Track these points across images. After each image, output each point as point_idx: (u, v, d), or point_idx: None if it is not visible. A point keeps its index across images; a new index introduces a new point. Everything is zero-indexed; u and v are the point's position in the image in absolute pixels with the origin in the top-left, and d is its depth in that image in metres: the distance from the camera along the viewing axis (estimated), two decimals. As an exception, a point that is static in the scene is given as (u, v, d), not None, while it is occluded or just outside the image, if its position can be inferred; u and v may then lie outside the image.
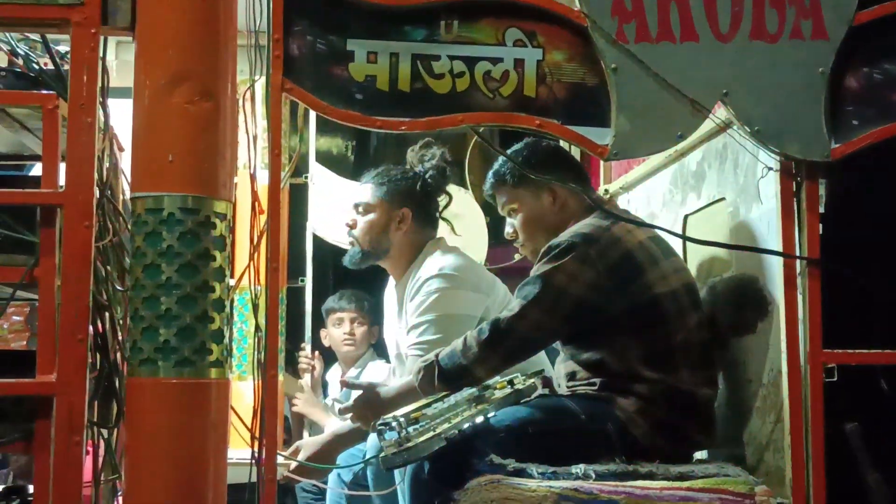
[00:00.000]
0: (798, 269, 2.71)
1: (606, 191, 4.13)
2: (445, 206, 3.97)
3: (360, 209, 3.85)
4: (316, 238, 5.04)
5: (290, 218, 5.08)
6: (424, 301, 3.59)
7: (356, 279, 5.03)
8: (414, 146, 3.83)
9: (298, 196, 5.12)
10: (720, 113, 2.73)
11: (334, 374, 4.92)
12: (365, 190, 3.88)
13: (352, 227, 3.87)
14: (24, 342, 4.59)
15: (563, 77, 2.68)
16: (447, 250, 3.84)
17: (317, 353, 4.90)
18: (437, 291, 3.58)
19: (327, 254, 5.34)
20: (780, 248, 2.74)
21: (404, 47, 2.64)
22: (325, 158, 5.32)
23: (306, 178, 5.08)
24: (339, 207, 5.05)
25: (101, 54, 2.60)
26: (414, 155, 3.85)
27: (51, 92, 2.62)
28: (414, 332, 3.57)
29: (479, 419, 2.82)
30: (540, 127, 2.68)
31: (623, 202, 4.09)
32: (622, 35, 2.65)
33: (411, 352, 3.45)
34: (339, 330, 4.87)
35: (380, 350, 4.83)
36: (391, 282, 3.95)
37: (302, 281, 4.99)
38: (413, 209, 3.79)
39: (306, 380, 4.71)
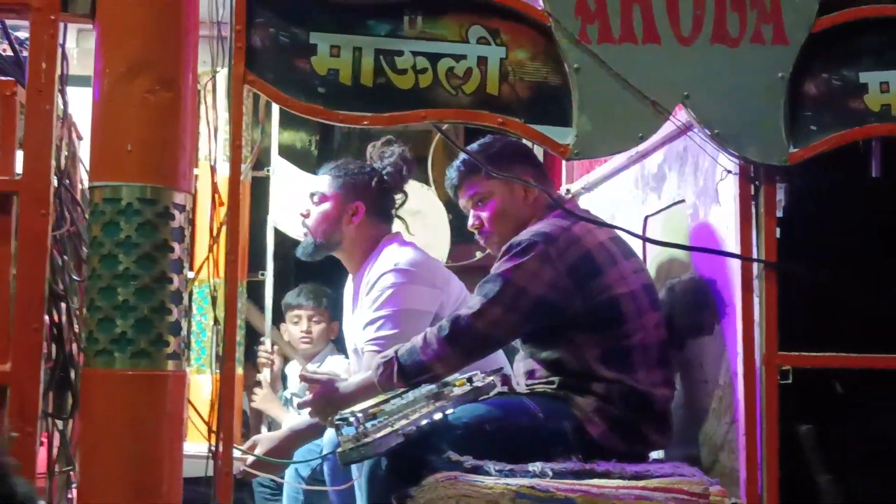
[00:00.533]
0: (755, 272, 2.73)
1: (568, 190, 4.15)
2: (401, 205, 3.95)
3: (315, 199, 3.83)
4: (277, 232, 5.03)
5: (251, 211, 5.07)
6: (380, 296, 3.57)
7: (317, 273, 5.01)
8: (375, 142, 3.82)
9: (260, 189, 5.11)
10: (681, 115, 2.73)
11: (293, 369, 4.90)
12: (321, 181, 3.87)
13: (305, 216, 3.86)
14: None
15: (525, 76, 2.68)
16: (403, 245, 3.83)
17: (276, 347, 4.89)
18: (392, 286, 3.56)
19: (289, 248, 5.28)
20: (738, 250, 2.76)
21: (367, 42, 2.63)
22: (288, 152, 5.30)
23: (268, 171, 5.08)
24: (301, 202, 5.05)
25: (60, 41, 2.58)
26: (374, 150, 3.84)
27: (8, 78, 2.61)
28: (371, 328, 3.54)
29: (438, 416, 2.80)
30: (502, 125, 2.69)
31: (584, 202, 4.09)
32: (585, 35, 2.66)
33: (368, 347, 3.44)
34: (297, 327, 4.84)
35: (340, 344, 4.81)
36: (349, 284, 3.93)
37: (262, 275, 4.98)
38: (367, 203, 3.77)
39: (265, 374, 4.70)
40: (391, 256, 3.69)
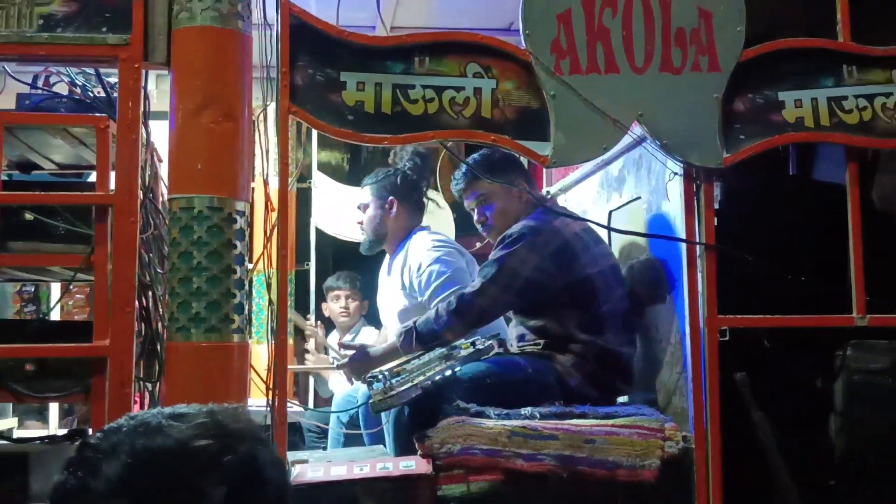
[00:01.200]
0: (698, 253, 2.73)
1: (548, 192, 4.15)
2: (426, 190, 4.00)
3: (362, 208, 3.89)
4: (318, 231, 5.06)
5: (297, 215, 5.08)
6: (435, 279, 3.61)
7: (350, 262, 5.06)
8: (399, 149, 3.87)
9: (304, 198, 5.14)
10: (637, 130, 2.74)
11: (333, 339, 4.94)
12: (363, 193, 3.91)
13: (361, 223, 3.91)
14: (86, 315, 4.57)
15: (512, 101, 2.68)
16: (431, 232, 3.89)
17: (319, 322, 4.93)
18: (443, 271, 3.62)
19: (327, 243, 5.37)
20: (684, 235, 2.77)
21: (386, 78, 2.64)
22: (325, 167, 5.33)
23: (310, 183, 5.11)
24: (336, 206, 5.10)
25: (143, 84, 2.60)
26: (394, 155, 3.89)
27: (103, 115, 2.62)
28: (444, 291, 3.53)
29: (448, 373, 2.84)
30: (495, 141, 2.70)
31: (561, 201, 4.10)
32: (559, 68, 2.67)
33: (441, 305, 3.25)
34: (337, 304, 4.88)
35: (369, 318, 4.85)
36: (386, 260, 3.98)
37: (306, 265, 5.01)
38: (398, 197, 3.82)
39: (311, 344, 4.74)
40: (424, 243, 3.75)
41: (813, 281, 2.87)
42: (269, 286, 2.79)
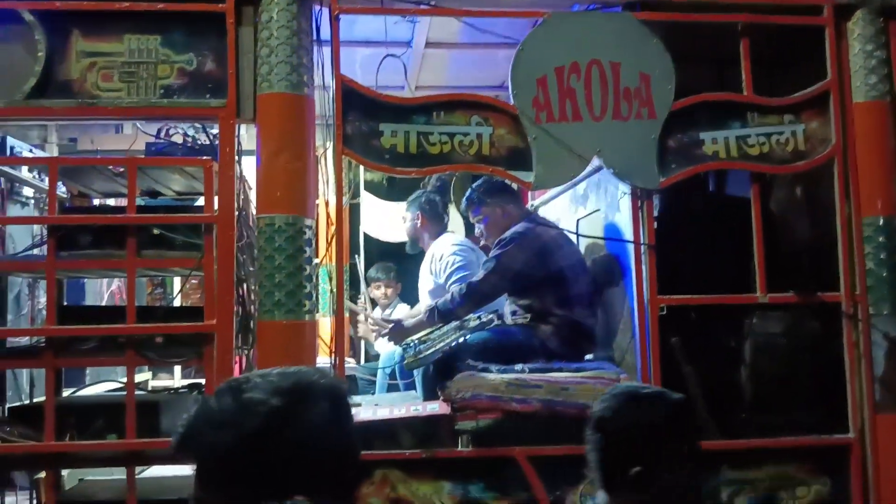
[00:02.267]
0: (643, 250, 2.71)
1: (532, 205, 4.14)
2: (446, 207, 4.02)
3: (404, 220, 3.94)
4: (365, 235, 5.07)
5: (350, 223, 5.09)
6: (453, 262, 3.65)
7: (387, 256, 5.05)
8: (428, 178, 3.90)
9: (355, 210, 5.15)
10: (596, 161, 2.71)
11: (377, 314, 4.92)
12: (406, 208, 3.99)
13: (406, 231, 4.00)
14: (198, 297, 4.59)
15: (504, 143, 2.67)
16: (451, 234, 3.96)
17: (365, 303, 4.92)
18: (459, 257, 3.66)
19: (373, 243, 5.36)
20: (632, 238, 2.75)
21: (412, 128, 2.63)
22: (370, 186, 5.32)
23: (359, 200, 5.11)
24: (378, 216, 5.10)
25: (236, 135, 2.61)
26: (427, 181, 3.92)
27: (208, 157, 2.64)
28: (456, 275, 3.59)
29: (461, 340, 2.84)
30: (492, 172, 2.70)
31: (542, 212, 4.09)
32: (538, 118, 2.66)
33: (455, 286, 3.30)
34: (378, 292, 4.80)
35: (402, 296, 4.83)
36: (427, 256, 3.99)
37: (357, 258, 5.02)
38: (424, 213, 3.85)
39: (362, 316, 4.72)
40: (448, 241, 3.80)
41: (726, 269, 2.87)
42: (330, 278, 2.79)
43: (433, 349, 2.73)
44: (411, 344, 2.78)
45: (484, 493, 2.53)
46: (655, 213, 2.79)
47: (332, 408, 1.19)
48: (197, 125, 2.86)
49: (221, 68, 2.57)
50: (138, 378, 4.62)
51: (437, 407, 2.63)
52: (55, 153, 4.82)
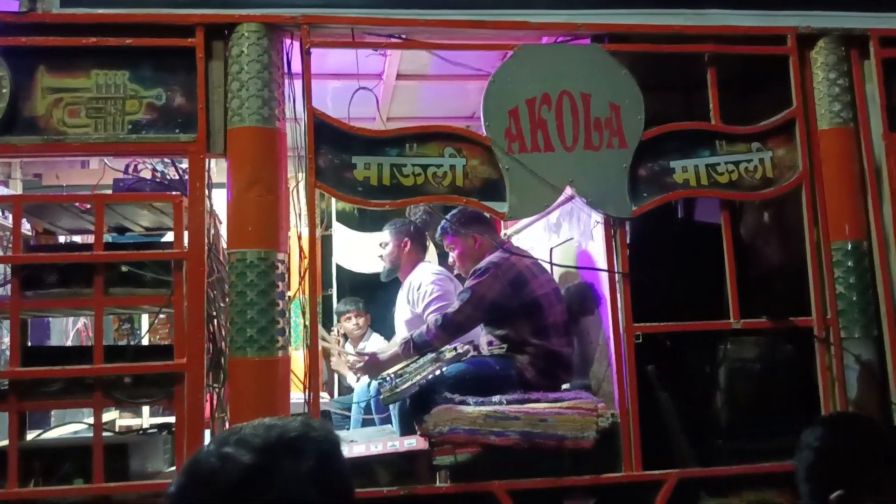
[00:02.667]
0: (617, 278, 2.71)
1: (506, 234, 4.15)
2: (430, 236, 3.99)
3: (382, 245, 3.88)
4: (338, 266, 5.04)
5: (322, 254, 5.05)
6: (431, 291, 3.61)
7: (359, 288, 5.02)
8: (413, 207, 3.85)
9: (327, 242, 5.12)
10: (568, 191, 2.71)
11: (349, 347, 4.89)
12: (384, 234, 3.90)
13: (381, 257, 3.89)
14: (167, 332, 4.52)
15: (478, 174, 2.66)
16: (429, 264, 3.92)
17: (341, 332, 4.88)
18: (436, 286, 3.62)
19: (345, 274, 5.33)
20: (605, 266, 2.75)
21: (385, 160, 2.62)
22: (341, 218, 5.31)
23: (331, 231, 5.09)
24: (350, 247, 5.07)
25: (206, 170, 2.57)
26: (410, 210, 3.89)
27: (177, 192, 2.62)
28: (431, 307, 3.54)
29: (437, 372, 2.81)
30: (466, 203, 2.68)
31: (515, 241, 4.06)
32: (511, 149, 2.65)
33: (431, 317, 3.26)
34: (349, 323, 4.76)
35: (374, 326, 4.78)
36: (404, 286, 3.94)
37: (329, 290, 4.99)
38: (411, 239, 3.82)
39: (335, 349, 4.67)
40: (427, 270, 3.76)
41: (699, 295, 2.88)
42: (303, 311, 2.76)
43: (409, 382, 2.70)
44: (387, 378, 2.74)
45: (464, 529, 2.49)
46: (627, 241, 2.79)
47: (319, 465, 1.06)
48: (166, 160, 2.81)
49: (191, 103, 2.55)
50: (105, 417, 4.53)
51: (414, 442, 2.59)
52: (19, 189, 4.74)
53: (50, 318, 4.02)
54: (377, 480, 2.55)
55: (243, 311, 2.45)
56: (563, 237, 3.41)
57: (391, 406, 3.00)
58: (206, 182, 2.59)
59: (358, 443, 2.68)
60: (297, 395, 2.89)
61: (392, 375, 2.75)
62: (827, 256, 2.78)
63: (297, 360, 4.38)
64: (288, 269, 2.63)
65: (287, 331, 2.55)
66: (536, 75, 2.70)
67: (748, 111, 2.92)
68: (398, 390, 2.67)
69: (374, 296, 4.71)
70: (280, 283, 2.50)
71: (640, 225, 2.92)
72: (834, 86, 2.80)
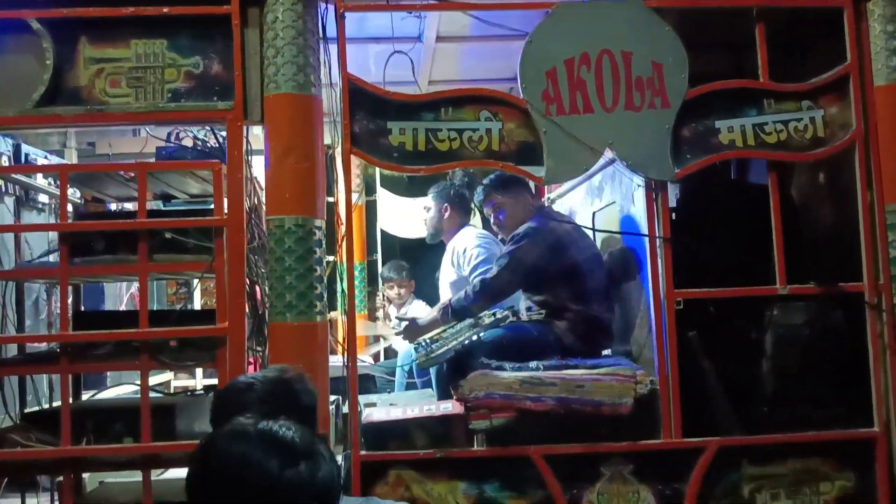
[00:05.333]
0: (658, 243, 2.67)
1: (549, 198, 4.11)
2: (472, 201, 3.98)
3: (426, 209, 3.90)
4: (382, 231, 5.07)
5: (367, 220, 5.11)
6: (477, 254, 3.62)
7: (404, 252, 5.04)
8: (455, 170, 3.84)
9: (372, 207, 5.16)
10: (608, 154, 2.66)
11: (393, 311, 4.94)
12: (427, 199, 3.91)
13: (425, 221, 3.91)
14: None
15: (514, 137, 2.64)
16: (473, 228, 3.91)
17: (386, 296, 4.92)
18: (483, 249, 3.63)
19: (389, 239, 5.36)
20: (646, 231, 2.71)
21: (421, 125, 2.61)
22: (387, 183, 5.32)
23: (376, 196, 5.11)
24: (395, 213, 5.10)
25: (244, 136, 2.60)
26: (451, 174, 3.87)
27: (217, 160, 2.64)
28: (477, 270, 3.55)
29: (475, 338, 2.82)
30: (502, 167, 2.67)
31: (559, 205, 4.06)
32: (548, 111, 2.62)
33: (475, 281, 3.25)
34: (391, 292, 4.77)
35: (418, 293, 4.81)
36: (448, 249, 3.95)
37: (374, 255, 5.03)
38: (451, 205, 3.82)
39: (381, 312, 4.73)
40: (472, 233, 3.76)
41: (750, 259, 2.81)
42: (340, 278, 2.78)
43: (445, 347, 2.72)
44: (423, 343, 2.77)
45: (499, 493, 2.52)
46: (674, 204, 2.75)
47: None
48: (206, 128, 2.85)
49: (228, 71, 2.58)
50: (161, 379, 4.70)
51: (450, 406, 2.62)
52: (74, 158, 4.89)
53: (103, 283, 4.16)
54: (414, 443, 2.59)
55: (282, 276, 2.48)
56: (606, 201, 3.37)
57: (430, 370, 3.02)
58: (247, 148, 2.63)
59: (396, 406, 2.72)
60: (336, 358, 2.94)
61: (428, 340, 2.77)
62: (881, 219, 2.68)
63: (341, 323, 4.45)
64: (337, 235, 2.66)
65: (325, 296, 2.57)
66: (575, 35, 2.65)
67: (798, 70, 2.80)
68: (433, 355, 2.69)
69: (420, 260, 4.73)
70: (317, 250, 2.52)
71: (687, 186, 2.86)
72: (892, 39, 2.66)
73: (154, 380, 4.51)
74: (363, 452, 2.53)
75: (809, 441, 2.60)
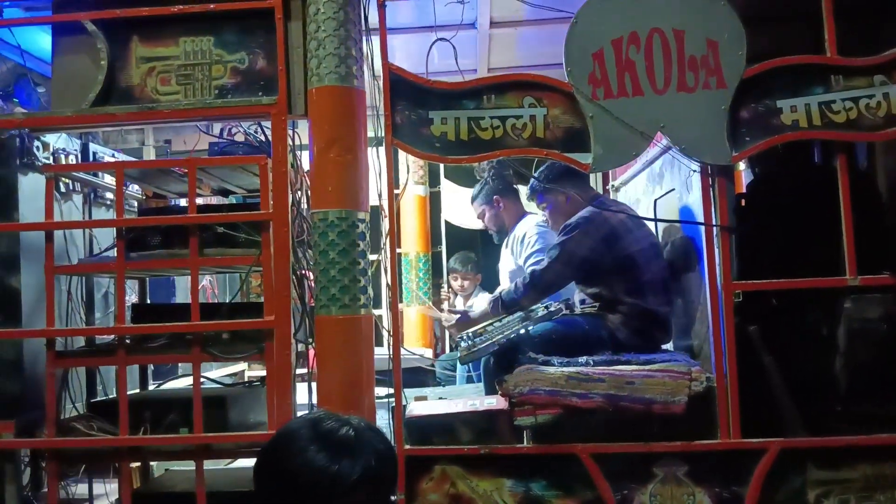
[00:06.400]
0: (715, 233, 2.54)
1: (613, 185, 3.98)
2: (518, 182, 3.92)
3: (480, 217, 3.92)
4: (447, 223, 5.05)
5: (431, 211, 5.08)
6: (535, 241, 3.64)
7: (469, 243, 5.01)
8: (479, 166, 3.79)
9: (436, 198, 5.13)
10: (660, 138, 2.54)
11: (459, 303, 4.90)
12: (476, 207, 3.91)
13: (486, 227, 3.95)
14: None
15: (560, 124, 2.56)
16: (532, 217, 3.87)
17: (448, 288, 4.91)
18: (541, 235, 3.64)
19: (454, 231, 5.33)
20: (702, 219, 2.58)
21: (462, 114, 2.57)
22: (451, 174, 5.28)
23: (439, 188, 5.09)
24: (459, 204, 5.06)
25: (290, 131, 2.63)
26: (480, 172, 3.82)
27: (263, 154, 2.66)
28: (531, 259, 3.56)
29: (522, 331, 2.76)
30: (547, 155, 2.59)
31: (623, 193, 3.93)
32: (595, 95, 2.53)
33: (531, 267, 3.27)
34: (457, 283, 4.76)
35: (484, 285, 4.77)
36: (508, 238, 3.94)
37: (439, 247, 5.01)
38: (500, 194, 3.78)
39: (445, 304, 4.72)
40: (531, 221, 3.77)
41: (825, 248, 2.62)
42: (384, 270, 2.77)
43: (489, 341, 2.67)
44: (465, 337, 2.73)
45: (546, 491, 2.45)
46: (743, 187, 2.59)
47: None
48: (255, 123, 2.88)
49: (272, 65, 2.61)
50: (236, 369, 4.81)
51: (494, 402, 2.56)
52: (151, 155, 5.09)
53: (174, 277, 4.30)
54: (458, 438, 2.55)
55: (326, 270, 2.49)
56: (666, 188, 3.23)
57: (481, 364, 2.97)
58: (296, 142, 2.65)
59: (440, 402, 2.69)
60: (381, 351, 2.93)
61: (471, 334, 2.73)
62: (967, 203, 2.45)
63: (409, 316, 4.46)
64: (391, 227, 2.67)
65: (369, 290, 2.57)
66: (623, 13, 2.54)
67: (870, 43, 2.59)
68: (475, 350, 2.65)
69: (484, 251, 4.69)
70: (361, 243, 2.52)
71: (762, 171, 2.70)
72: (978, 4, 2.43)
73: (230, 370, 4.64)
74: (407, 447, 2.51)
75: (884, 444, 2.41)
